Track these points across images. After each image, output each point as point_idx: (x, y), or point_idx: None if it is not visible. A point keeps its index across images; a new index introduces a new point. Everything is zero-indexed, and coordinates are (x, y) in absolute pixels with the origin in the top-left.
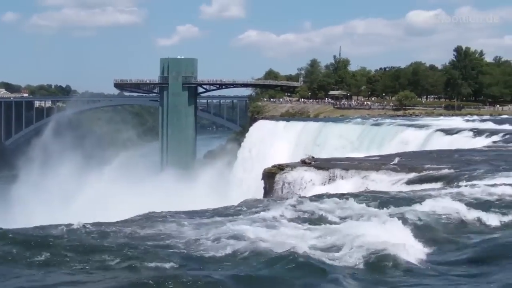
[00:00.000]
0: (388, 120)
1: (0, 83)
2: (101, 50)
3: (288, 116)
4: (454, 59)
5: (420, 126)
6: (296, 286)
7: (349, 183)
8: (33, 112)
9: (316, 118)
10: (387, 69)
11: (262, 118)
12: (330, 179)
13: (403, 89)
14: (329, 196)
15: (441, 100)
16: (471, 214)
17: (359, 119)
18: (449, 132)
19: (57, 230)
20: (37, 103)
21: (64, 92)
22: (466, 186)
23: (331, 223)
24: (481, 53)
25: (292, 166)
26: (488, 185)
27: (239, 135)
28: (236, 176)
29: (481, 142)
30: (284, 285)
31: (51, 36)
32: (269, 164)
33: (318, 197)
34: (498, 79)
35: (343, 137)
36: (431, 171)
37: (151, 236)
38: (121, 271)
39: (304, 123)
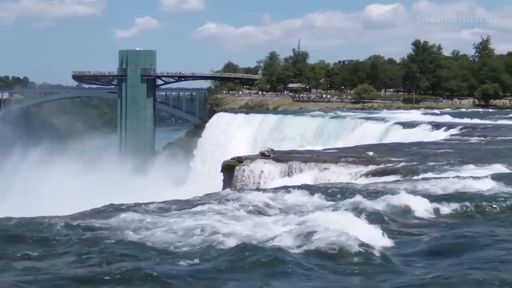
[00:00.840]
0: (347, 113)
1: None
2: (60, 41)
3: (247, 109)
4: (413, 53)
5: (379, 119)
6: (255, 277)
7: (307, 175)
8: None
9: (275, 111)
10: (345, 62)
11: (221, 111)
12: (289, 172)
13: (362, 82)
14: (288, 188)
15: (399, 93)
16: (427, 207)
17: (318, 112)
18: (407, 125)
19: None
20: None
21: (21, 84)
22: (423, 179)
23: (289, 215)
24: (439, 47)
25: (251, 158)
26: (445, 178)
27: (198, 128)
28: (195, 169)
29: (439, 135)
30: (243, 276)
31: (8, 27)
32: (228, 157)
33: (277, 189)
34: (455, 73)
35: (302, 130)
36: (389, 164)
37: (106, 228)
38: (73, 264)
39: (263, 115)
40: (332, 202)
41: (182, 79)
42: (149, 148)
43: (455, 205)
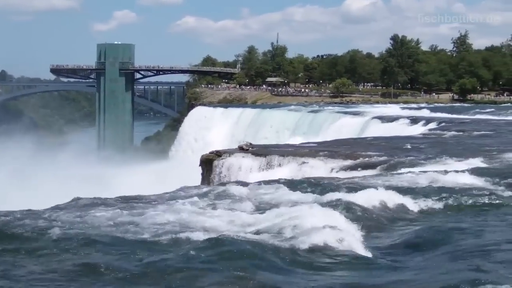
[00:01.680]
0: (325, 107)
1: None
2: (38, 35)
3: (226, 103)
4: (391, 47)
5: (357, 114)
6: (229, 271)
7: (286, 169)
8: None
9: (253, 105)
10: (324, 57)
11: (200, 105)
12: (267, 166)
13: (340, 76)
14: (266, 182)
15: (377, 87)
16: (405, 201)
17: (296, 106)
18: (385, 119)
19: None
20: None
21: None
22: (401, 173)
23: (267, 209)
24: (418, 42)
25: (230, 152)
26: (423, 172)
27: (177, 122)
28: (174, 162)
29: (417, 129)
30: (217, 270)
31: None
32: (206, 151)
33: (255, 184)
34: (434, 68)
35: (281, 124)
36: (367, 158)
37: (77, 222)
38: (39, 260)
39: (242, 109)
40: (309, 196)
41: (161, 73)
42: (127, 142)
43: (432, 199)
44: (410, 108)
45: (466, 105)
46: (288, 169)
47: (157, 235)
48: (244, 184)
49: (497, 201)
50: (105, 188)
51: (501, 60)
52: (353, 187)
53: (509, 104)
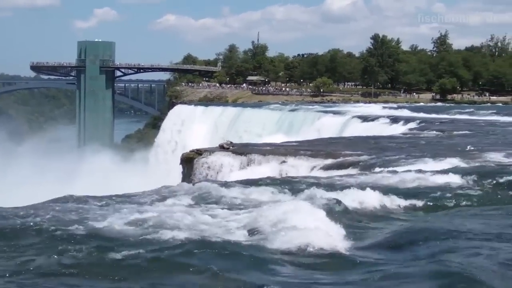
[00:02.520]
0: (305, 106)
1: None
2: (18, 31)
3: (206, 101)
4: (371, 47)
5: (338, 113)
6: (207, 271)
7: (266, 168)
8: None
9: (234, 103)
10: (305, 56)
11: (180, 103)
12: (248, 164)
13: (321, 75)
14: (247, 181)
15: (358, 87)
16: (385, 200)
17: (277, 105)
18: (366, 119)
19: None
20: None
21: None
22: (381, 172)
23: (247, 208)
24: (398, 41)
25: (210, 151)
26: (403, 171)
27: (157, 120)
28: (154, 161)
29: (398, 129)
30: (194, 270)
31: None
32: (187, 149)
33: (236, 182)
34: (414, 67)
35: (261, 123)
36: (347, 158)
37: (51, 220)
38: (15, 257)
39: (223, 108)
40: (290, 195)
41: (141, 70)
42: (107, 140)
43: (412, 199)
44: (390, 108)
45: (446, 105)
46: (269, 168)
47: (133, 234)
48: (224, 183)
49: (476, 201)
50: (82, 186)
51: (481, 60)
52: (334, 186)
53: (488, 104)
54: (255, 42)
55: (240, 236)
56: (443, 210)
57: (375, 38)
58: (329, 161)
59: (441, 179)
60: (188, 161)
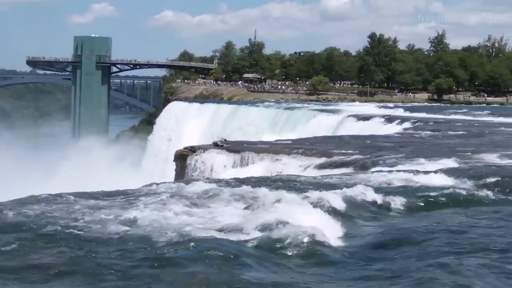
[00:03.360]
0: (301, 105)
1: None
2: (14, 26)
3: (202, 98)
4: (368, 46)
5: (333, 111)
6: (198, 269)
7: (260, 166)
8: None
9: (229, 101)
10: (301, 54)
11: (176, 100)
12: (241, 162)
13: (317, 74)
14: (239, 179)
15: (354, 86)
16: (378, 200)
17: (272, 103)
18: (361, 118)
19: None
20: None
21: None
22: (375, 171)
23: (239, 206)
24: (395, 40)
25: (204, 148)
26: (397, 171)
27: (153, 116)
28: (149, 157)
29: (393, 128)
30: (186, 268)
31: None
32: (181, 146)
33: (229, 180)
34: (410, 67)
35: (256, 120)
36: (342, 157)
37: (38, 216)
38: None
39: (218, 105)
40: (282, 194)
41: (137, 67)
42: (102, 136)
43: (405, 198)
44: (386, 107)
45: (441, 105)
46: (262, 166)
47: (122, 232)
48: (217, 180)
49: (469, 202)
50: (80, 182)
51: (478, 61)
52: (326, 185)
53: (484, 104)
54: (252, 39)
55: (232, 234)
56: (435, 210)
57: (372, 37)
58: (323, 160)
59: (434, 180)
60: (182, 158)
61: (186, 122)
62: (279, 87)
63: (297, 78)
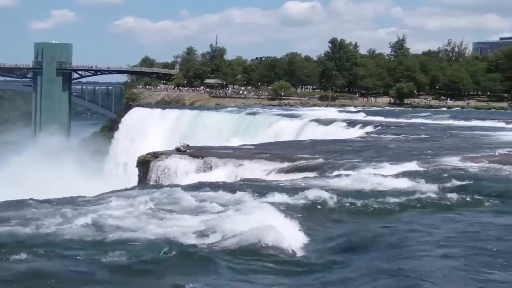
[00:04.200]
0: (263, 110)
1: None
2: None
3: (164, 104)
4: (329, 51)
5: (295, 116)
6: (162, 274)
7: (223, 171)
8: None
9: (191, 106)
10: (263, 59)
11: (138, 106)
12: (204, 167)
13: (279, 79)
14: (203, 184)
15: (316, 90)
16: (341, 203)
17: (234, 108)
18: (323, 122)
19: None
20: None
21: None
22: (337, 175)
23: (203, 211)
24: (356, 45)
25: (167, 154)
26: (360, 175)
27: (114, 122)
28: (111, 164)
29: (355, 133)
30: (151, 273)
31: None
32: (144, 152)
33: (191, 185)
34: (371, 71)
35: (219, 126)
36: (304, 161)
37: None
38: None
39: (180, 111)
40: (246, 198)
41: (98, 73)
42: (63, 142)
43: (368, 201)
44: (348, 111)
45: (402, 108)
46: (225, 171)
47: (86, 239)
48: (180, 185)
49: (430, 204)
50: (41, 188)
51: (438, 65)
52: (290, 189)
53: (444, 108)
54: (213, 45)
55: (194, 239)
56: (398, 213)
57: (333, 42)
58: (286, 164)
59: (396, 183)
60: (145, 164)
61: (148, 128)
62: (241, 92)
63: (259, 83)
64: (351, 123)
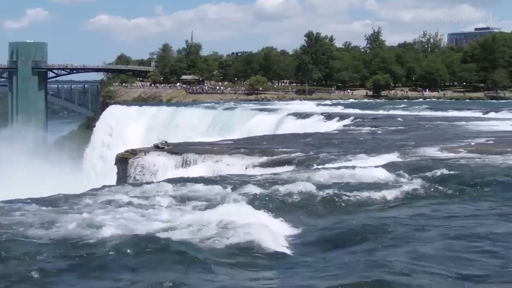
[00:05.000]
0: (240, 105)
1: None
2: None
3: (141, 101)
4: (305, 45)
5: (272, 110)
6: (146, 271)
7: (202, 167)
8: None
9: (168, 103)
10: (239, 54)
11: (114, 103)
12: (183, 164)
13: (255, 73)
14: (182, 180)
15: (292, 84)
16: (322, 196)
17: (211, 104)
18: (300, 116)
19: None
20: None
21: None
22: (317, 168)
23: (183, 207)
24: (332, 39)
25: (145, 151)
26: (339, 167)
27: (91, 120)
28: (89, 162)
29: (332, 125)
30: (134, 270)
31: None
32: (122, 149)
33: (170, 181)
34: (347, 64)
35: (196, 122)
36: (283, 155)
37: None
38: None
39: (157, 108)
40: (226, 193)
41: (74, 71)
42: (40, 142)
43: (348, 194)
44: (325, 105)
45: (379, 100)
46: (204, 167)
47: (63, 237)
48: (159, 182)
49: (411, 195)
50: (13, 188)
51: (414, 56)
52: (270, 183)
53: (421, 99)
54: (188, 41)
55: (174, 235)
56: (378, 205)
57: (308, 35)
58: (264, 158)
59: (376, 174)
60: (123, 161)
61: (126, 125)
62: (218, 88)
63: (235, 79)
64: (329, 116)
